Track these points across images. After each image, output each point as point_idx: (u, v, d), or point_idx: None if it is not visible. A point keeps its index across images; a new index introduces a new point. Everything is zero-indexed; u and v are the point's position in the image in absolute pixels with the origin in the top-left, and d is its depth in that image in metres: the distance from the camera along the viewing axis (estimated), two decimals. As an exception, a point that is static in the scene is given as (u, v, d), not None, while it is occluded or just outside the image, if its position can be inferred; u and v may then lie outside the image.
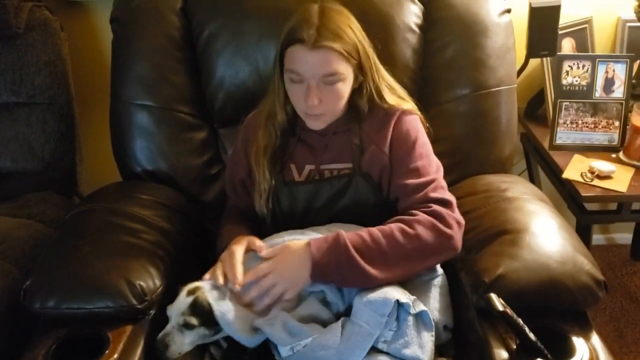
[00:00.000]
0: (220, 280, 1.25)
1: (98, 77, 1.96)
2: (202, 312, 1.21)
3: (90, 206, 1.48)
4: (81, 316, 1.23)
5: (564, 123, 1.85)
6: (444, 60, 1.64)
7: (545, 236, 1.31)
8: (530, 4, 1.82)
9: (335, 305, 1.27)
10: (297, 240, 1.28)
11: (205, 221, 1.66)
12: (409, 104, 1.42)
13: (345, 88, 1.32)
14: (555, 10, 1.80)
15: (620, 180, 1.70)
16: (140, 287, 1.26)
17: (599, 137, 1.85)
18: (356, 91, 1.37)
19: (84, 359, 1.16)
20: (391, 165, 1.36)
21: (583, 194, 1.66)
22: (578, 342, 1.16)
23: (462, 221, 1.29)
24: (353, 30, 1.31)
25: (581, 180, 1.71)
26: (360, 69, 1.33)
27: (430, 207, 1.28)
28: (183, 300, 1.23)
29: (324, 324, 1.24)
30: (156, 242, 1.40)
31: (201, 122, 1.70)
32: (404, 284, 1.29)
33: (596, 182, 1.70)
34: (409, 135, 1.37)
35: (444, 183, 1.35)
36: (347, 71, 1.30)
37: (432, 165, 1.36)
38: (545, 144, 1.90)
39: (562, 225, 1.35)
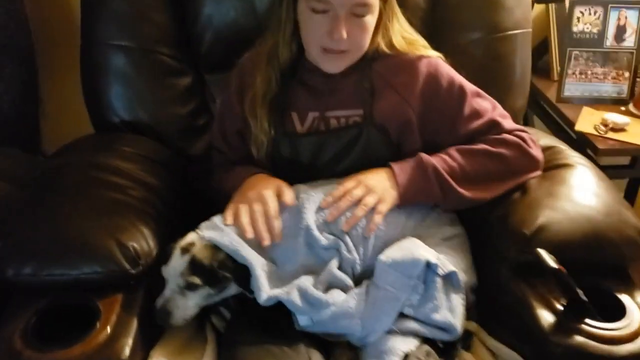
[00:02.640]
0: (250, 234, 1.10)
1: (62, 18, 1.74)
2: (202, 270, 1.06)
3: (65, 160, 1.28)
4: (65, 283, 1.04)
5: (573, 74, 1.75)
6: (456, 2, 1.49)
7: (586, 188, 1.20)
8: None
9: (352, 263, 1.13)
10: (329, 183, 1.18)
11: (191, 178, 1.48)
12: (431, 51, 1.27)
13: (372, 23, 1.17)
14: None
15: (634, 133, 1.62)
16: (134, 249, 1.09)
17: (608, 89, 1.76)
18: (374, 30, 1.21)
19: (70, 333, 0.98)
20: (433, 119, 1.22)
21: (600, 147, 1.57)
22: (626, 300, 1.06)
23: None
24: None
25: (595, 132, 1.62)
26: (384, 6, 1.18)
27: (512, 131, 1.21)
28: (178, 259, 1.07)
29: (345, 289, 1.10)
30: (145, 199, 1.22)
31: (185, 66, 1.50)
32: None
33: (610, 134, 1.60)
34: (452, 82, 1.23)
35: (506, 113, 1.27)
36: (375, 2, 1.15)
37: (487, 101, 1.25)
38: (551, 96, 1.79)
39: (602, 177, 1.25)
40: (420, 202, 1.18)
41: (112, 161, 1.28)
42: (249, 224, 1.11)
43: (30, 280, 1.03)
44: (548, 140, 1.39)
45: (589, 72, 1.75)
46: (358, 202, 1.13)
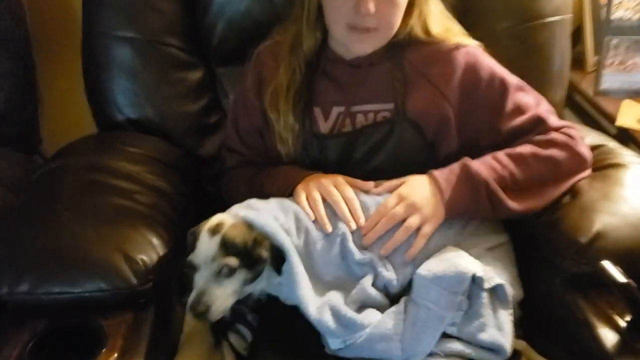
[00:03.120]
0: (353, 226, 1.02)
1: (61, 7, 1.63)
2: (236, 250, 0.94)
3: (65, 162, 1.17)
4: (65, 303, 0.93)
5: (612, 64, 1.62)
6: (491, -16, 1.37)
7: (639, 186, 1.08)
8: None
9: (387, 282, 1.01)
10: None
11: (204, 180, 1.36)
12: (470, 40, 1.15)
13: (403, 1, 1.05)
14: None
15: (682, 126, 1.49)
16: (143, 262, 0.98)
17: (648, 80, 1.63)
18: (405, 14, 1.09)
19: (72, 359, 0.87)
20: (474, 114, 1.10)
21: (645, 143, 1.44)
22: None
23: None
24: None
25: (636, 127, 1.49)
26: None
27: (559, 128, 1.09)
28: (208, 242, 0.94)
29: (380, 308, 0.98)
30: (154, 205, 1.12)
31: (196, 59, 1.39)
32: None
33: (656, 129, 1.48)
34: (492, 74, 1.11)
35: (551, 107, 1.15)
36: None
37: (531, 95, 1.13)
38: (586, 89, 1.67)
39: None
40: (467, 216, 1.06)
41: (117, 163, 1.16)
42: (338, 202, 1.03)
43: (25, 298, 0.93)
44: (596, 137, 1.27)
45: (630, 62, 1.62)
46: (400, 221, 1.01)
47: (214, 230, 0.95)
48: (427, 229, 1.01)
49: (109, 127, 1.35)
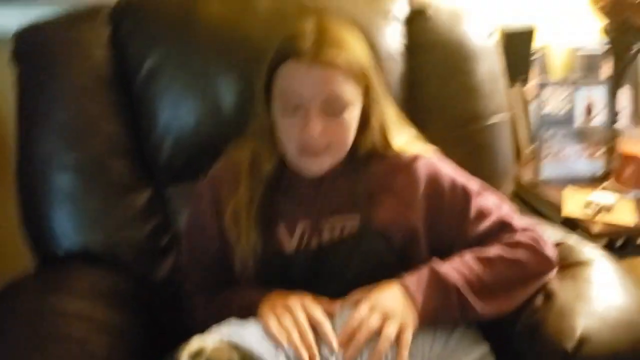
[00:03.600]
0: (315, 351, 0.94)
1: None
2: None
3: (6, 306, 1.05)
4: None
5: (548, 155, 1.69)
6: (434, 90, 1.41)
7: (613, 286, 1.09)
8: (502, 30, 1.66)
9: None
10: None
11: (158, 309, 1.26)
12: (425, 147, 1.17)
13: (352, 120, 1.05)
14: (529, 35, 1.66)
15: (622, 211, 1.55)
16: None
17: (584, 167, 1.72)
18: (360, 128, 1.09)
19: None
20: (441, 224, 1.10)
21: (593, 232, 1.49)
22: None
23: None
24: (359, 46, 1.07)
25: (583, 217, 1.54)
26: (368, 98, 1.07)
27: (524, 230, 1.09)
28: None
29: None
30: (109, 349, 1.01)
31: (142, 180, 1.31)
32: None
33: (600, 216, 1.53)
34: (454, 187, 1.11)
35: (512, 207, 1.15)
36: (353, 97, 1.04)
37: (491, 198, 1.13)
38: (525, 181, 1.72)
39: (615, 266, 1.14)
40: (437, 322, 1.02)
41: (66, 304, 1.05)
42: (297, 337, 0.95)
43: None
44: (553, 233, 1.28)
45: (564, 152, 1.70)
46: (377, 332, 0.96)
47: (196, 356, 0.87)
48: (407, 336, 0.96)
49: (50, 261, 1.24)
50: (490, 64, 1.44)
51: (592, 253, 1.18)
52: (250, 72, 1.22)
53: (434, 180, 1.10)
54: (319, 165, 1.07)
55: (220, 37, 1.29)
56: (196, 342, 0.90)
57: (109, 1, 1.34)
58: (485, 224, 1.09)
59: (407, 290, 1.00)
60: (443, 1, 1.49)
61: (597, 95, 1.71)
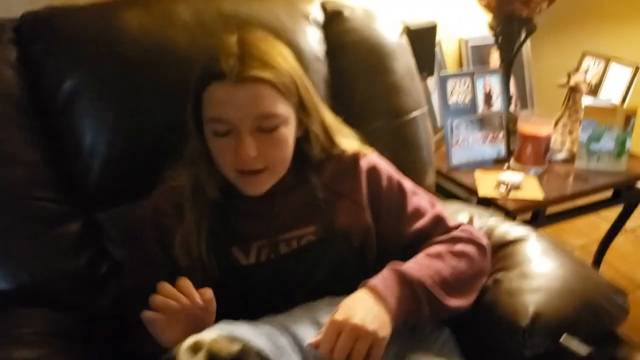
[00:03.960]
0: None
1: None
2: None
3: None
4: None
5: (457, 142, 1.80)
6: (358, 89, 1.44)
7: (548, 259, 1.19)
8: (407, 26, 1.73)
9: None
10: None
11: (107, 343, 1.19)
12: (357, 142, 1.20)
13: (288, 135, 1.04)
14: (432, 30, 1.75)
15: (530, 187, 1.69)
16: None
17: (489, 150, 1.84)
18: (302, 140, 1.10)
19: None
20: (381, 220, 1.12)
21: (511, 209, 1.61)
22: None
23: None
24: (285, 58, 1.05)
25: (497, 196, 1.66)
26: (302, 109, 1.06)
27: (457, 227, 1.14)
28: None
29: None
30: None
31: (72, 208, 1.22)
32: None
33: (513, 194, 1.66)
34: (390, 181, 1.15)
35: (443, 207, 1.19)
36: (286, 111, 1.02)
37: (424, 196, 1.17)
38: (442, 168, 1.82)
39: (553, 242, 1.25)
40: (408, 320, 1.03)
41: (16, 353, 0.97)
42: None
43: None
44: (480, 214, 1.37)
45: (470, 139, 1.81)
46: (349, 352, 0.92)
47: (195, 348, 0.84)
48: (378, 351, 0.93)
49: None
50: (406, 61, 1.50)
51: (519, 231, 1.28)
52: (178, 86, 1.17)
53: (373, 176, 1.14)
54: (260, 185, 1.05)
55: (143, 50, 1.23)
56: (191, 339, 0.87)
57: (9, 15, 1.23)
58: (422, 221, 1.13)
59: (377, 294, 0.98)
60: (349, 1, 1.53)
61: (494, 83, 1.84)
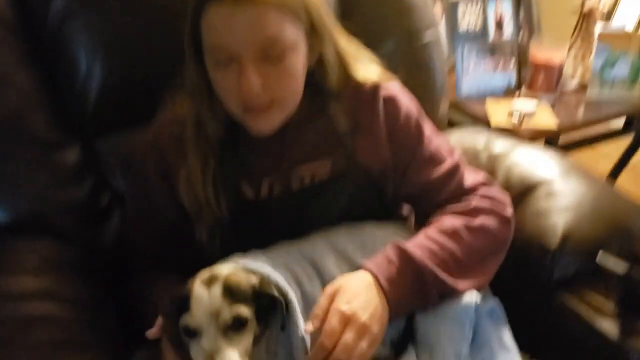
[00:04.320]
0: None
1: None
2: (245, 296, 0.78)
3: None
4: None
5: (467, 70, 1.73)
6: (367, 6, 1.35)
7: (570, 177, 1.13)
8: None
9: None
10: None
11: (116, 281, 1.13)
12: (377, 69, 1.06)
13: (298, 64, 0.91)
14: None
15: (543, 116, 1.64)
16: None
17: (499, 79, 1.78)
18: (316, 71, 0.96)
19: None
20: (396, 160, 1.01)
21: (525, 138, 1.56)
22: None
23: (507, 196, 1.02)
24: None
25: (510, 126, 1.61)
26: (314, 33, 0.93)
27: (476, 190, 0.99)
28: (207, 295, 0.77)
29: None
30: (93, 328, 0.90)
31: (69, 134, 1.15)
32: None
33: (525, 123, 1.61)
34: (409, 117, 1.01)
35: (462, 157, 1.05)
36: (295, 36, 0.89)
37: (443, 142, 1.04)
38: (451, 99, 1.75)
39: (570, 161, 1.20)
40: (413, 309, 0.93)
41: (20, 283, 0.91)
42: None
43: None
44: (499, 140, 1.31)
45: (481, 67, 1.74)
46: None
47: (210, 280, 0.78)
48: (373, 351, 0.84)
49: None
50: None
51: (538, 153, 1.22)
52: (181, 2, 1.08)
53: (391, 107, 1.01)
54: (269, 123, 0.93)
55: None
56: (205, 272, 0.81)
57: None
58: (439, 171, 1.01)
59: (377, 282, 0.87)
60: None
61: (505, 9, 1.75)
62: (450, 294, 0.90)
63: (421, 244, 0.92)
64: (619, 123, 1.83)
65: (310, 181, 0.99)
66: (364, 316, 0.82)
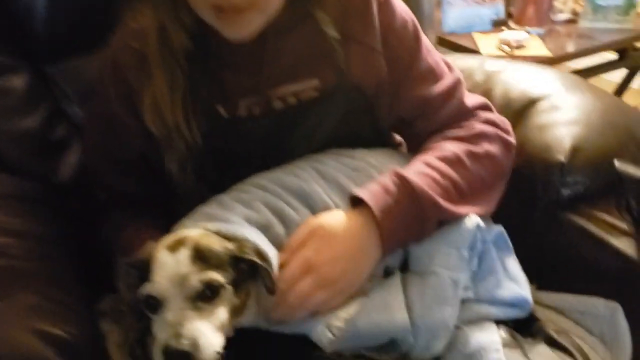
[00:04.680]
0: None
1: None
2: (218, 261, 0.67)
3: None
4: None
5: (453, 3, 1.62)
6: None
7: (575, 90, 1.04)
8: None
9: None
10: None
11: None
12: None
13: None
14: None
15: (535, 46, 1.55)
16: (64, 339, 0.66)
17: (486, 12, 1.68)
18: None
19: None
20: (391, 72, 0.89)
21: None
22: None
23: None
24: None
25: (502, 53, 1.51)
26: None
27: (476, 114, 0.90)
28: (172, 260, 0.66)
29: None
30: (40, 257, 0.78)
31: (16, 59, 1.02)
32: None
33: (517, 52, 1.52)
34: (405, 22, 0.90)
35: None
36: None
37: (440, 57, 0.94)
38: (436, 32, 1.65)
39: (573, 77, 1.11)
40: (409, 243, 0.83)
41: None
42: None
43: None
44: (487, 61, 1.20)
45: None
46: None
47: (176, 246, 0.67)
48: (335, 300, 0.76)
49: None
50: None
51: (537, 69, 1.13)
52: None
53: (385, 11, 0.89)
54: (245, 26, 0.81)
55: None
56: (172, 235, 0.70)
57: None
58: (438, 88, 0.90)
59: (374, 221, 0.78)
60: None
61: None
62: (448, 219, 0.81)
63: (421, 171, 0.82)
64: (611, 56, 1.75)
65: (296, 100, 0.87)
66: (330, 271, 0.75)
